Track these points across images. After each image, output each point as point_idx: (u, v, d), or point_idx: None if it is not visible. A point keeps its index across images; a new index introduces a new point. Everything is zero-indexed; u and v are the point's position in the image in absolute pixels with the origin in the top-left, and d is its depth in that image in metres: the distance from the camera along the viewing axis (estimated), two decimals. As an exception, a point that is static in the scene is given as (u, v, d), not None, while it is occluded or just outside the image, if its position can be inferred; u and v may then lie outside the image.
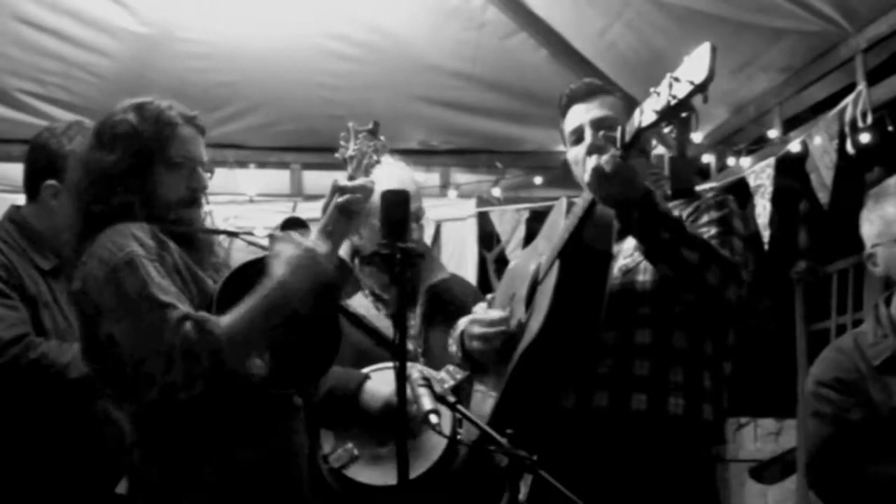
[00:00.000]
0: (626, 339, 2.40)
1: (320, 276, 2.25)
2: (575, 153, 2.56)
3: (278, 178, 5.18)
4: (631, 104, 2.56)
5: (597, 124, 2.52)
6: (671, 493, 2.37)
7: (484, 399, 2.57)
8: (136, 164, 2.29)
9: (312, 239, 2.28)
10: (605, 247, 2.37)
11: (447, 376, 2.90)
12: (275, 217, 4.81)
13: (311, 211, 4.76)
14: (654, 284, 2.41)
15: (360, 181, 2.38)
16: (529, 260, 2.61)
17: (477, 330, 2.55)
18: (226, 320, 2.15)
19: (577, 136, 2.56)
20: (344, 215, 2.35)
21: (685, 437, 2.40)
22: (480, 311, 2.67)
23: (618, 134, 2.19)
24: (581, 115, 2.56)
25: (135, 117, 2.32)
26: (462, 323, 2.70)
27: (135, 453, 2.32)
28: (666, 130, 2.11)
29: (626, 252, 2.48)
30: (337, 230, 2.35)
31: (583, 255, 2.33)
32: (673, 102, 1.99)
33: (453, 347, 2.73)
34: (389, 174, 2.71)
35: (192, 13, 4.34)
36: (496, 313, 2.58)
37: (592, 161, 2.23)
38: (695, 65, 1.95)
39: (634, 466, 2.36)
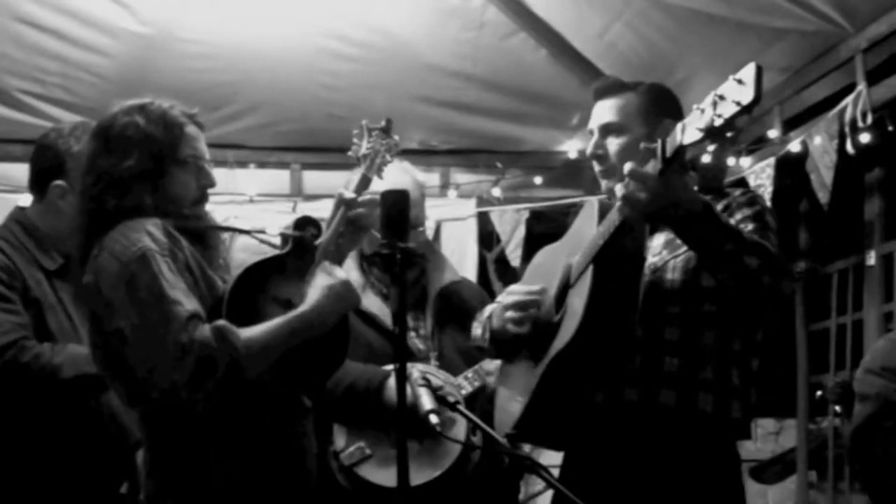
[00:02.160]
0: (654, 335, 2.40)
1: (349, 307, 2.30)
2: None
3: (278, 178, 5.19)
4: (649, 100, 2.56)
5: (602, 129, 2.53)
6: (698, 488, 2.37)
7: (511, 399, 2.56)
8: (150, 167, 2.30)
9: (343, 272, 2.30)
10: (639, 250, 2.36)
11: (465, 383, 2.90)
12: (275, 217, 4.82)
13: (310, 211, 4.77)
14: (683, 284, 2.41)
15: (366, 196, 2.39)
16: (557, 259, 2.58)
17: (511, 299, 2.52)
18: (247, 333, 2.16)
19: (591, 137, 2.57)
20: (352, 229, 2.37)
21: (714, 434, 2.40)
22: (509, 298, 2.58)
23: (658, 149, 2.14)
24: (595, 115, 2.57)
25: (142, 120, 2.32)
26: (489, 308, 2.70)
27: (143, 452, 2.32)
28: (710, 148, 2.08)
29: (655, 250, 2.47)
30: (345, 242, 2.37)
31: (617, 258, 2.31)
32: (718, 122, 1.95)
33: (478, 331, 2.72)
34: (393, 179, 2.71)
35: (192, 13, 4.34)
36: (530, 289, 2.54)
37: (622, 189, 2.17)
38: (741, 84, 1.92)
39: (662, 461, 2.36)
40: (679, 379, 2.37)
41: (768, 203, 4.12)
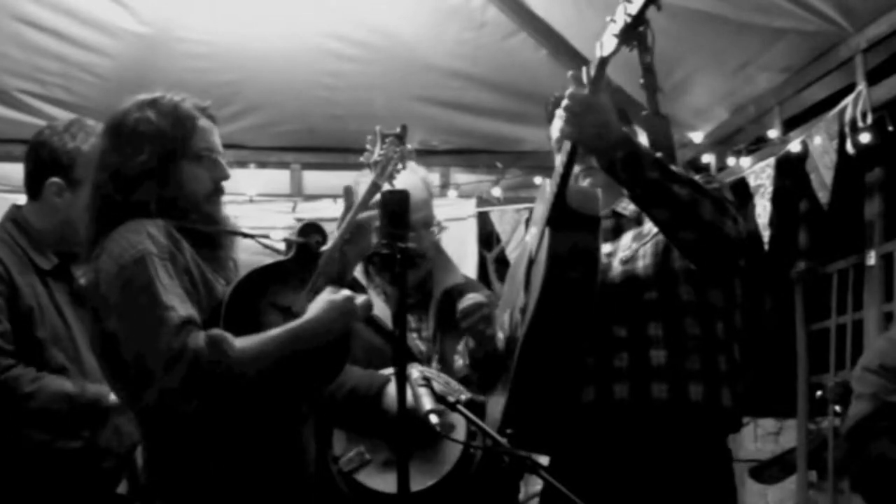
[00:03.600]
0: (638, 331, 2.41)
1: (350, 325, 2.28)
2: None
3: (278, 178, 5.19)
4: (622, 101, 2.58)
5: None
6: (691, 482, 2.38)
7: (497, 401, 2.56)
8: (162, 161, 2.29)
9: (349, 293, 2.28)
10: (593, 211, 2.39)
11: (465, 388, 2.89)
12: (275, 217, 4.82)
13: (310, 211, 4.79)
14: (655, 267, 2.43)
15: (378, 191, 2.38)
16: (523, 253, 2.61)
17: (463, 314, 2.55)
18: (242, 343, 2.14)
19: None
20: (359, 235, 2.36)
21: (706, 425, 2.41)
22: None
23: (583, 71, 2.25)
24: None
25: (154, 114, 2.30)
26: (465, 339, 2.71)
27: (141, 452, 2.31)
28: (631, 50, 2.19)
29: (624, 246, 2.49)
30: (351, 251, 2.36)
31: (572, 222, 2.34)
32: (629, 20, 2.09)
33: (459, 362, 2.73)
34: (401, 178, 2.70)
35: (192, 13, 4.34)
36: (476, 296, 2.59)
37: (563, 102, 2.27)
38: None
39: (656, 456, 2.37)
40: (668, 371, 2.38)
41: (767, 203, 4.17)
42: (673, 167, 2.33)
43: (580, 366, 2.40)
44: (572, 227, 2.34)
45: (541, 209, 2.51)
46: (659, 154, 2.34)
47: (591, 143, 2.29)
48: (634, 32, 2.13)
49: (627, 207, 2.55)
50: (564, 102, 2.26)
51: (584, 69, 2.26)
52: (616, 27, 2.15)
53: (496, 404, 2.58)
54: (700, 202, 2.28)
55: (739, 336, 2.51)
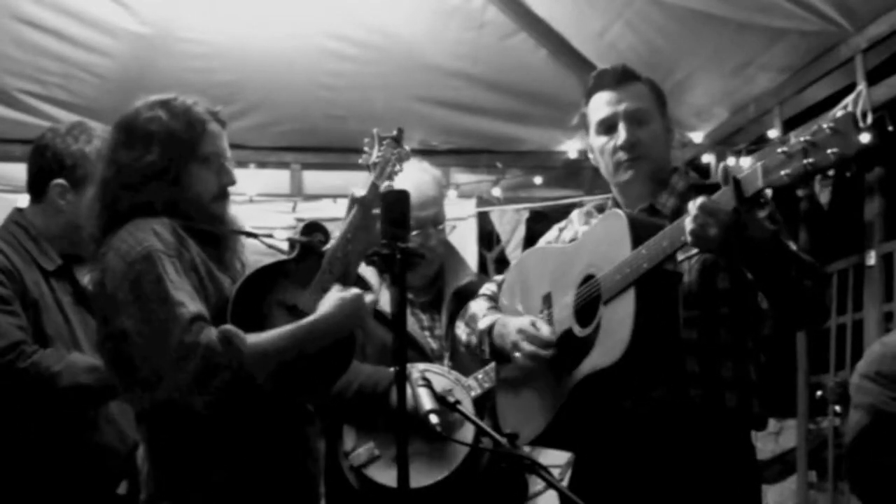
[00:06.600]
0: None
1: (359, 323, 2.30)
2: (601, 143, 2.52)
3: (278, 178, 5.18)
4: (657, 91, 2.55)
5: (631, 117, 2.47)
6: (723, 484, 2.39)
7: (523, 411, 2.55)
8: (172, 162, 2.30)
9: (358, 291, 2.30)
10: (677, 268, 2.34)
11: (475, 384, 2.90)
12: (275, 217, 4.81)
13: (310, 211, 4.79)
14: (700, 286, 2.41)
15: (378, 192, 2.39)
16: (566, 266, 2.51)
17: (528, 348, 2.46)
18: (254, 339, 2.15)
19: (607, 126, 2.50)
20: (362, 234, 2.37)
21: (738, 430, 2.43)
22: (526, 322, 2.51)
23: (731, 186, 2.10)
24: (612, 104, 2.50)
25: (166, 115, 2.32)
26: (483, 316, 2.67)
27: (143, 454, 2.32)
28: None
29: None
30: (354, 249, 2.36)
31: (658, 279, 2.27)
32: (811, 169, 1.94)
33: (464, 336, 2.73)
34: (413, 177, 2.71)
35: (192, 13, 4.34)
36: (547, 331, 2.47)
37: (691, 223, 2.13)
38: (838, 133, 1.90)
39: (690, 459, 2.37)
40: (703, 378, 2.38)
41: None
42: (801, 255, 2.31)
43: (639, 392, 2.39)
44: (659, 285, 2.28)
45: (607, 240, 2.38)
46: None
47: (721, 257, 2.27)
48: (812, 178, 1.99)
49: (666, 204, 2.50)
50: (700, 213, 2.12)
51: (731, 181, 2.10)
52: (790, 166, 1.97)
53: (518, 410, 2.57)
54: (817, 287, 2.28)
55: (766, 344, 2.52)
